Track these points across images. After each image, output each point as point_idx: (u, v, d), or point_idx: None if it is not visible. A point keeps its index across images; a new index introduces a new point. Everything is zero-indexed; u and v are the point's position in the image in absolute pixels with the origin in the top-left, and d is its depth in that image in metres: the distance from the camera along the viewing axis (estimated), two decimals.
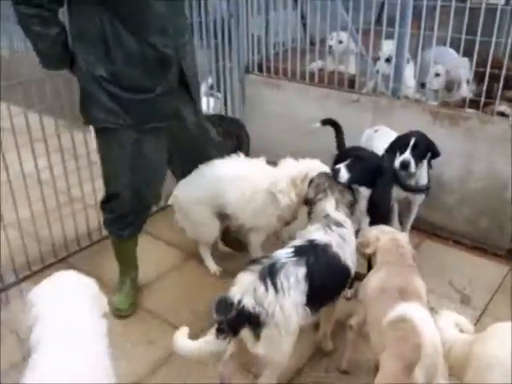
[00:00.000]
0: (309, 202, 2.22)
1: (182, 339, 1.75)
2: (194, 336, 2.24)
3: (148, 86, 2.10)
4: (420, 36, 2.93)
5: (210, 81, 3.54)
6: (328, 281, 1.90)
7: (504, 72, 2.67)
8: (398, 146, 2.57)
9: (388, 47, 3.14)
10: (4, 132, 2.54)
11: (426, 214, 2.85)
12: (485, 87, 2.75)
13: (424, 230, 3.03)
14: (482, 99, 2.80)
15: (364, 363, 2.10)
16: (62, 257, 2.84)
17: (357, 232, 2.17)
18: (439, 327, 1.61)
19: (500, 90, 2.70)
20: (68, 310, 1.52)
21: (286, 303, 1.74)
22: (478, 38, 2.70)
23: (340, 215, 2.10)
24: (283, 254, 1.88)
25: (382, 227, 2.11)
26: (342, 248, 1.99)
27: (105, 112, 2.10)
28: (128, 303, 2.41)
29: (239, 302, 1.69)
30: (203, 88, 3.55)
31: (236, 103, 3.65)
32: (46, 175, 2.70)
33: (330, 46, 3.48)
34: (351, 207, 2.18)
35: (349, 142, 2.86)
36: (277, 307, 1.72)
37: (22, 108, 2.50)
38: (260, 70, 3.59)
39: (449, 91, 3.15)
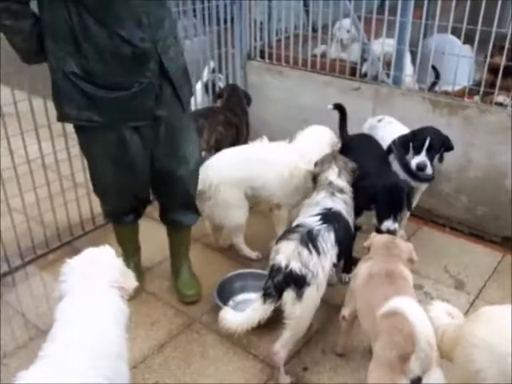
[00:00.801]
0: (315, 177, 2.43)
1: (229, 313, 1.92)
2: (194, 320, 2.35)
3: (123, 83, 1.95)
4: (421, 24, 2.95)
5: (211, 64, 3.56)
6: (345, 243, 2.18)
7: (504, 61, 2.70)
8: (412, 144, 2.57)
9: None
10: (8, 117, 2.59)
11: (423, 200, 2.89)
12: (484, 76, 2.77)
13: (421, 216, 3.09)
14: (481, 89, 2.83)
15: (359, 345, 2.17)
16: (67, 241, 2.90)
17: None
18: (432, 317, 1.67)
19: (499, 80, 2.73)
20: (95, 289, 1.58)
21: (326, 264, 2.00)
22: (479, 28, 2.72)
23: (342, 182, 2.36)
24: (313, 221, 2.10)
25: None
26: (348, 213, 2.28)
27: (77, 109, 1.97)
28: None
29: (286, 266, 1.89)
30: (205, 72, 3.59)
31: None
32: (50, 160, 2.74)
33: (341, 39, 3.46)
34: (353, 173, 2.43)
35: (350, 130, 2.91)
36: (320, 268, 1.95)
37: (26, 93, 2.53)
38: (262, 56, 3.60)
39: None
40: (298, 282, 1.89)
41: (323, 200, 2.26)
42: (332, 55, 3.41)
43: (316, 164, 2.47)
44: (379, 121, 2.93)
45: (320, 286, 1.96)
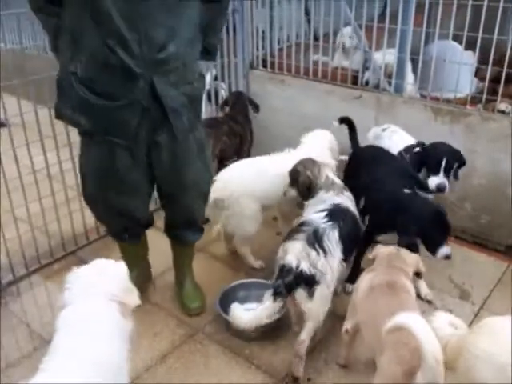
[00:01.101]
0: (307, 184, 2.41)
1: (239, 310, 1.99)
2: (196, 330, 2.35)
3: (112, 93, 1.91)
4: (422, 32, 2.95)
5: (213, 72, 3.59)
6: (351, 238, 2.22)
7: (505, 68, 2.70)
8: (428, 163, 2.54)
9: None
10: (14, 127, 2.62)
11: None
12: (486, 84, 2.77)
13: None
14: (484, 96, 2.83)
15: (362, 356, 2.15)
16: (71, 250, 2.92)
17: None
18: (434, 327, 1.66)
19: (501, 87, 2.73)
20: (98, 301, 1.58)
21: (333, 263, 2.07)
22: (480, 35, 2.72)
23: (340, 181, 2.44)
24: (318, 219, 2.16)
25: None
26: (355, 209, 2.34)
27: (71, 110, 1.96)
28: None
29: (297, 266, 1.98)
30: (208, 78, 3.61)
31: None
32: (55, 170, 2.77)
33: (344, 43, 3.48)
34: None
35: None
36: (327, 267, 2.03)
37: (32, 103, 2.56)
38: (264, 65, 3.62)
39: None
40: (308, 281, 1.99)
41: (331, 198, 2.30)
42: (335, 63, 3.42)
43: (294, 173, 2.44)
44: (384, 130, 2.91)
45: (329, 283, 2.05)
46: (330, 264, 2.04)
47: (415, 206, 2.26)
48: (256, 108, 3.43)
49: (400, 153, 2.69)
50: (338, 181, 2.42)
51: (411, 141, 2.78)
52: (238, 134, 3.32)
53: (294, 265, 1.99)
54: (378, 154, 2.69)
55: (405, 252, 2.01)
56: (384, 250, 2.01)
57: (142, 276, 2.51)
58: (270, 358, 2.18)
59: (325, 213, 2.20)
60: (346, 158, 2.86)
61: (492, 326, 1.56)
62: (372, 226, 2.44)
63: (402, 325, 1.60)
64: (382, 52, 3.15)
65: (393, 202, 2.31)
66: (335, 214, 2.20)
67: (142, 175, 2.13)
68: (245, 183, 2.62)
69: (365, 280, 1.93)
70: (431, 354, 1.51)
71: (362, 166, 2.63)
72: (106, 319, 1.56)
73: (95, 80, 1.90)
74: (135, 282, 2.38)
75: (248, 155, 3.33)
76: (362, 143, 2.90)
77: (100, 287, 1.61)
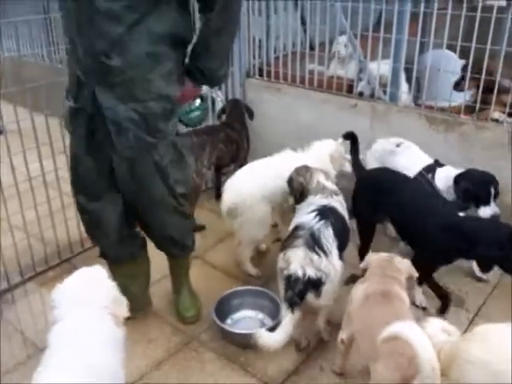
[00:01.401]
0: (301, 189, 2.46)
1: (265, 335, 1.97)
2: (191, 338, 2.34)
3: (73, 93, 1.92)
4: (417, 41, 2.99)
5: None
6: (342, 236, 2.27)
7: (498, 78, 2.73)
8: (477, 195, 2.47)
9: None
10: (11, 134, 2.62)
11: None
12: (479, 93, 2.80)
13: None
14: (478, 105, 2.85)
15: (357, 363, 2.15)
16: (66, 258, 2.91)
17: None
18: (428, 334, 1.66)
19: (495, 97, 2.76)
20: (88, 314, 1.57)
21: (334, 260, 2.13)
22: (474, 45, 2.76)
23: (332, 185, 2.47)
24: (310, 220, 2.21)
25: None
26: (344, 211, 2.39)
27: (71, 95, 1.97)
28: None
29: (304, 275, 2.04)
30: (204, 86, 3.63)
31: None
32: (51, 177, 2.77)
33: (339, 51, 3.51)
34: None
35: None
36: (330, 267, 2.10)
37: (28, 111, 2.57)
38: (261, 74, 3.65)
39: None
40: (315, 285, 2.06)
41: (318, 200, 2.35)
42: (330, 72, 3.45)
43: (290, 180, 2.50)
44: (398, 145, 2.78)
45: (333, 279, 2.12)
46: (331, 262, 2.12)
47: (488, 230, 2.15)
48: (250, 115, 3.46)
49: (421, 173, 2.59)
50: (330, 186, 2.45)
51: (426, 158, 2.70)
52: (234, 141, 3.35)
53: (300, 273, 2.04)
54: (396, 177, 2.56)
55: (397, 259, 2.01)
56: (376, 258, 2.02)
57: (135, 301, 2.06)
58: (265, 366, 2.17)
59: (314, 213, 2.25)
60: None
61: (485, 333, 1.57)
62: (432, 258, 2.33)
63: (397, 334, 1.60)
64: (376, 62, 3.18)
65: (455, 229, 2.19)
66: (324, 212, 2.26)
67: (105, 181, 2.07)
68: (256, 186, 2.65)
69: (359, 290, 1.93)
70: (428, 362, 1.51)
71: (382, 191, 2.49)
72: (99, 330, 1.55)
73: (71, 74, 1.93)
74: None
75: (245, 162, 3.35)
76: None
77: (89, 300, 1.60)
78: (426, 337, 1.61)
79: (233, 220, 2.66)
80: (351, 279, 2.41)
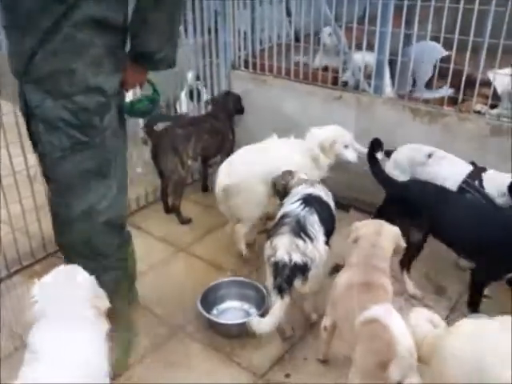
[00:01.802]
0: (283, 190, 2.54)
1: (257, 321, 2.02)
2: (177, 329, 2.37)
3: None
4: (401, 34, 3.00)
5: (193, 73, 3.62)
6: (328, 223, 2.32)
7: (481, 70, 2.76)
8: None
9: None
10: None
11: None
12: (462, 85, 2.83)
13: None
14: (460, 96, 2.89)
15: (341, 352, 2.18)
16: (52, 251, 2.89)
17: None
18: (413, 324, 1.70)
19: (477, 89, 2.79)
20: (69, 308, 1.56)
21: (319, 246, 2.18)
22: (456, 36, 2.78)
23: (314, 180, 2.56)
24: (295, 207, 2.27)
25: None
26: (329, 199, 2.45)
27: None
28: None
29: (290, 260, 2.09)
30: (189, 77, 3.63)
31: None
32: (34, 171, 2.77)
33: (324, 44, 3.51)
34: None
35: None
36: (315, 252, 2.15)
37: (11, 104, 2.55)
38: (246, 66, 3.65)
39: None
40: (302, 270, 2.10)
41: (303, 189, 2.41)
42: (316, 64, 3.46)
43: (273, 185, 2.60)
44: (429, 156, 2.64)
45: (318, 264, 2.16)
46: (316, 248, 2.17)
47: None
48: (240, 111, 3.49)
49: (466, 181, 2.48)
50: (311, 179, 2.54)
51: (465, 164, 2.59)
52: (219, 132, 3.35)
53: (286, 259, 2.09)
54: (442, 190, 2.43)
55: (386, 228, 2.04)
56: (366, 230, 2.03)
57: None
58: (250, 355, 2.21)
59: (299, 202, 2.31)
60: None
61: (466, 327, 1.60)
62: (496, 268, 2.24)
63: (374, 317, 1.64)
64: (361, 53, 3.19)
65: None
66: (309, 200, 2.32)
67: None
68: (252, 167, 2.72)
69: (343, 278, 1.97)
70: (404, 345, 1.55)
71: (428, 206, 2.35)
72: (83, 325, 1.55)
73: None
74: None
75: (231, 153, 3.35)
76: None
77: (70, 294, 1.60)
78: (402, 319, 1.65)
79: (228, 200, 2.71)
80: (335, 269, 2.44)
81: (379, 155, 2.68)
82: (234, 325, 2.33)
